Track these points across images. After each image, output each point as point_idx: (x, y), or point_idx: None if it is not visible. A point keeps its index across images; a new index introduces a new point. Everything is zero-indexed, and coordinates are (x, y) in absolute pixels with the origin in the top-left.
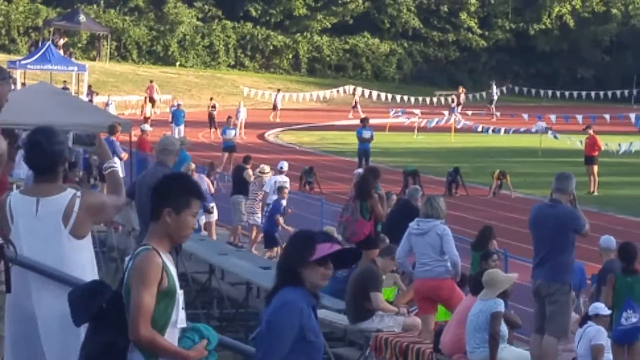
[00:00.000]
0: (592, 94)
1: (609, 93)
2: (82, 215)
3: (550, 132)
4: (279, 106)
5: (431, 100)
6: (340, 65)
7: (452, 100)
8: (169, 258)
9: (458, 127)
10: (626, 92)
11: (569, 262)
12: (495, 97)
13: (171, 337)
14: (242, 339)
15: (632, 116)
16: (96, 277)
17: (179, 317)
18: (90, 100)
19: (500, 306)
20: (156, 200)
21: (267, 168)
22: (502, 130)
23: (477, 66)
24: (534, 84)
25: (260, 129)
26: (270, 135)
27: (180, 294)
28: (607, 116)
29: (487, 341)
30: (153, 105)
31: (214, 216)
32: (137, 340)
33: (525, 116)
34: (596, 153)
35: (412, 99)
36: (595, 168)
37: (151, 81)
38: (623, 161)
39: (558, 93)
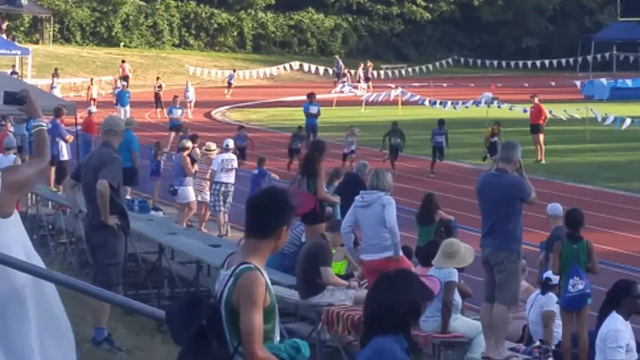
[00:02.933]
0: (538, 63)
1: (554, 62)
2: (5, 194)
3: (496, 101)
4: (233, 84)
5: (378, 73)
6: (286, 42)
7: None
8: (265, 273)
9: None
10: (571, 60)
11: (516, 230)
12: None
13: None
14: None
15: (578, 83)
16: (27, 256)
17: (277, 332)
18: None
19: (455, 276)
20: (272, 218)
21: (212, 145)
22: (449, 102)
23: (422, 39)
24: (480, 54)
25: (207, 107)
26: (217, 113)
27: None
28: (553, 84)
29: (440, 310)
30: (127, 84)
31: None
32: (253, 355)
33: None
34: (542, 121)
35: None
36: (542, 136)
37: (123, 61)
38: (569, 129)
39: (504, 63)
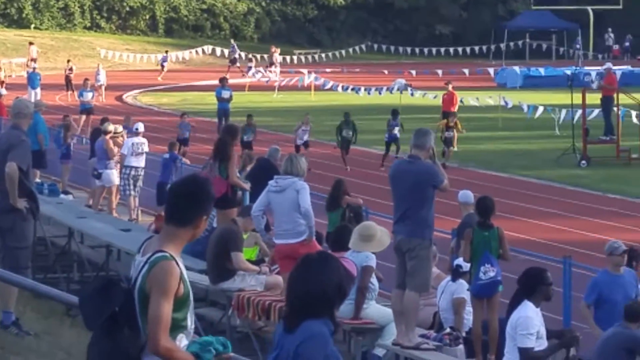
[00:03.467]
0: (451, 50)
1: (468, 49)
2: None
3: (410, 88)
4: (166, 68)
5: (291, 59)
6: (198, 26)
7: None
8: (181, 261)
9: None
10: (484, 47)
11: (428, 217)
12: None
13: (183, 341)
14: None
15: (492, 71)
16: None
17: (191, 320)
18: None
19: (372, 260)
20: (192, 207)
21: (119, 128)
22: (362, 88)
23: (335, 24)
24: (393, 41)
25: (119, 91)
26: (129, 97)
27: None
28: (466, 71)
29: (355, 294)
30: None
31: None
32: (156, 351)
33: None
34: (454, 109)
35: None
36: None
37: (31, 43)
38: (482, 116)
39: (417, 50)
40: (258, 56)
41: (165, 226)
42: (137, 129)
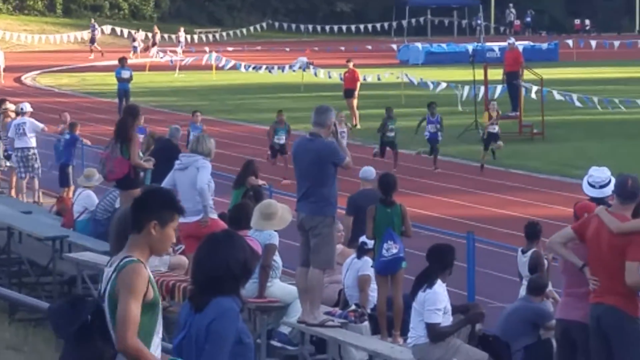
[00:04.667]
0: (353, 27)
1: (369, 26)
2: None
3: (312, 67)
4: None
5: (192, 38)
6: (97, 5)
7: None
8: (149, 268)
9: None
10: (386, 24)
11: (331, 194)
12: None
13: (155, 346)
14: (5, 285)
15: (394, 48)
16: None
17: (160, 326)
18: None
19: (275, 238)
20: (140, 212)
21: (12, 106)
22: (263, 67)
23: (236, 3)
24: (294, 19)
25: (17, 72)
26: (28, 78)
27: (160, 303)
28: (369, 47)
29: (258, 273)
30: None
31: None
32: (124, 350)
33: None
34: (355, 86)
35: (173, 37)
36: (355, 101)
37: None
38: (385, 93)
39: (319, 27)
40: (158, 35)
41: (130, 236)
42: (22, 109)
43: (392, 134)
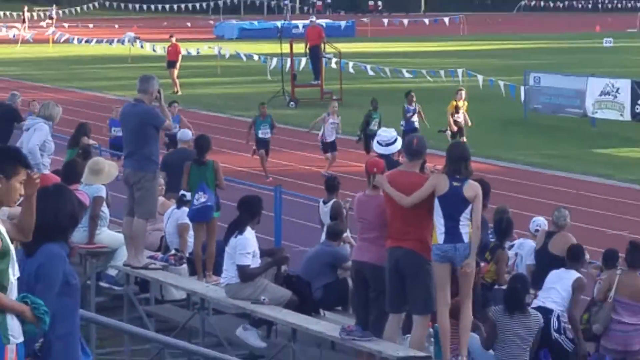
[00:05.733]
0: (175, 6)
1: (190, 5)
2: None
3: (138, 41)
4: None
5: (31, 15)
6: None
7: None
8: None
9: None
10: (204, 4)
11: (152, 153)
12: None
13: (11, 291)
14: None
15: (212, 24)
16: None
17: (15, 270)
18: None
19: (102, 191)
20: None
21: None
22: (94, 40)
23: None
24: None
25: None
26: None
27: (13, 249)
28: (189, 24)
29: (88, 222)
30: None
31: None
32: None
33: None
34: (177, 58)
35: (14, 14)
36: (175, 72)
37: None
38: (203, 64)
39: (145, 6)
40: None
41: None
42: None
43: (376, 128)
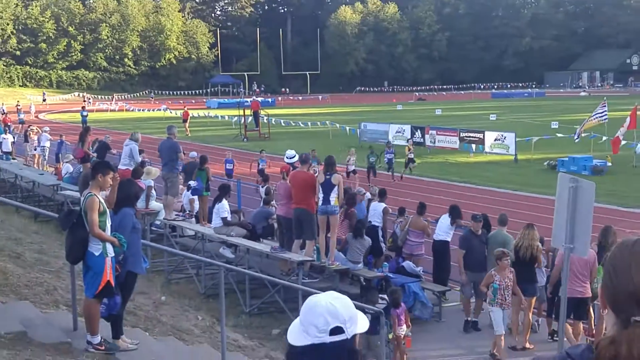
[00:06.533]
0: (186, 92)
1: (193, 91)
2: None
3: (169, 109)
4: None
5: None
6: None
7: None
8: (100, 196)
9: None
10: (201, 90)
11: (175, 164)
12: None
13: (107, 231)
14: (33, 206)
15: None
16: None
17: (109, 223)
18: None
19: (151, 183)
20: (94, 171)
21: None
22: (146, 109)
23: None
24: None
25: None
26: None
27: (108, 211)
28: None
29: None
30: None
31: None
32: (93, 234)
33: None
34: (187, 117)
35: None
36: (187, 124)
37: None
38: (198, 121)
39: (171, 92)
40: None
41: (89, 183)
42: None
43: (374, 159)
